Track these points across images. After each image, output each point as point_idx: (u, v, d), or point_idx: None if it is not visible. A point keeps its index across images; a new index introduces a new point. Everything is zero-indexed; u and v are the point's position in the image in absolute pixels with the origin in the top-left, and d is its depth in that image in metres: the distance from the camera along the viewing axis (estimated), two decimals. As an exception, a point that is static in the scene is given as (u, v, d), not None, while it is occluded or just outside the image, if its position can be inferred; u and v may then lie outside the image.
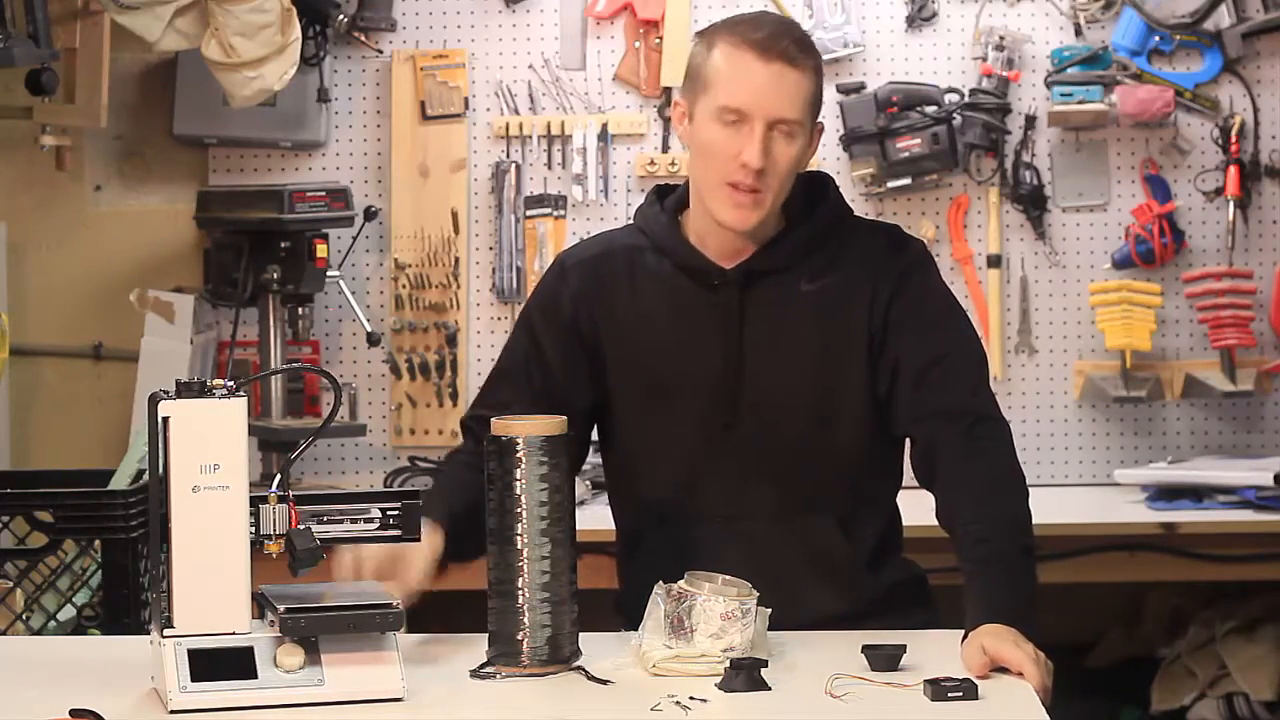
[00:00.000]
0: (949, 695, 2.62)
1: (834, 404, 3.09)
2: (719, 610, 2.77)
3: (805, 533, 3.11)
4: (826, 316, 3.09)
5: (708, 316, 3.09)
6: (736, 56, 3.02)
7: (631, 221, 3.25)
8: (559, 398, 3.10)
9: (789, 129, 3.02)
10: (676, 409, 3.10)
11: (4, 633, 3.45)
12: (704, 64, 3.06)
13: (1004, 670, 2.73)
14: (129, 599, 3.45)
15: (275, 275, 4.87)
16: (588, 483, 4.70)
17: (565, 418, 2.86)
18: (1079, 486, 5.04)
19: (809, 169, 3.24)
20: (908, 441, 3.13)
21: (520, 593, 2.79)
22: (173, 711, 2.62)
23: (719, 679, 2.71)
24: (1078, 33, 5.04)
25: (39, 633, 3.47)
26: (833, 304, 3.09)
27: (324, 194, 4.92)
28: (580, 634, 2.84)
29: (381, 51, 5.12)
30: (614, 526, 3.27)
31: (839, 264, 3.11)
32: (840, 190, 3.21)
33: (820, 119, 3.11)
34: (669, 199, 3.19)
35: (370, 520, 2.79)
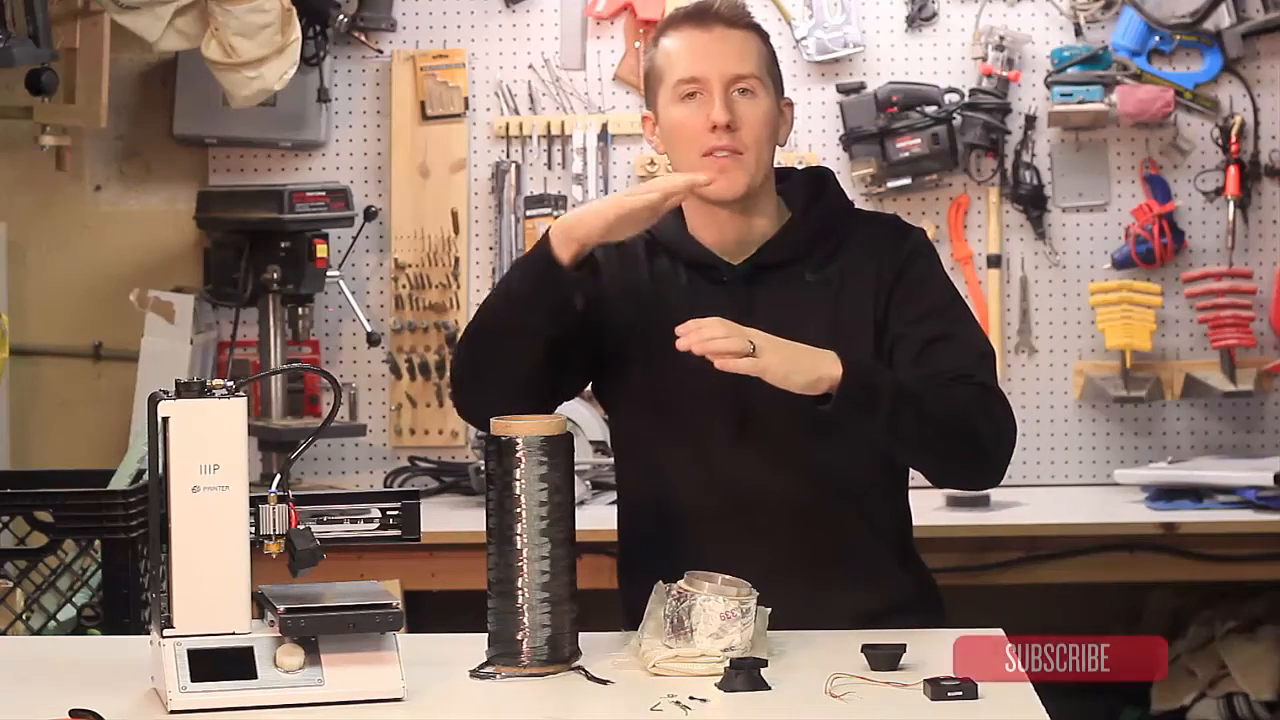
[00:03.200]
0: (949, 695, 2.62)
1: None
2: (719, 610, 2.77)
3: (830, 528, 3.11)
4: (833, 305, 3.10)
5: (718, 312, 3.09)
6: (677, 36, 3.12)
7: None
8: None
9: (747, 85, 3.08)
10: (693, 406, 3.10)
11: (4, 633, 3.45)
12: (653, 62, 3.15)
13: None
14: (129, 599, 3.45)
15: (275, 275, 4.87)
16: (588, 483, 4.70)
17: (565, 418, 2.87)
18: (1079, 486, 5.04)
19: (810, 165, 3.28)
20: None
21: (520, 593, 2.79)
22: (173, 711, 2.62)
23: (719, 679, 2.71)
24: (1078, 33, 5.04)
25: (39, 633, 3.47)
26: (838, 292, 3.11)
27: (324, 194, 4.93)
28: (580, 634, 2.84)
29: (381, 51, 5.12)
30: (616, 531, 3.26)
31: (842, 253, 3.13)
32: (840, 184, 3.23)
33: (788, 96, 3.17)
34: None
35: (370, 520, 2.79)
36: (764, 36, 3.14)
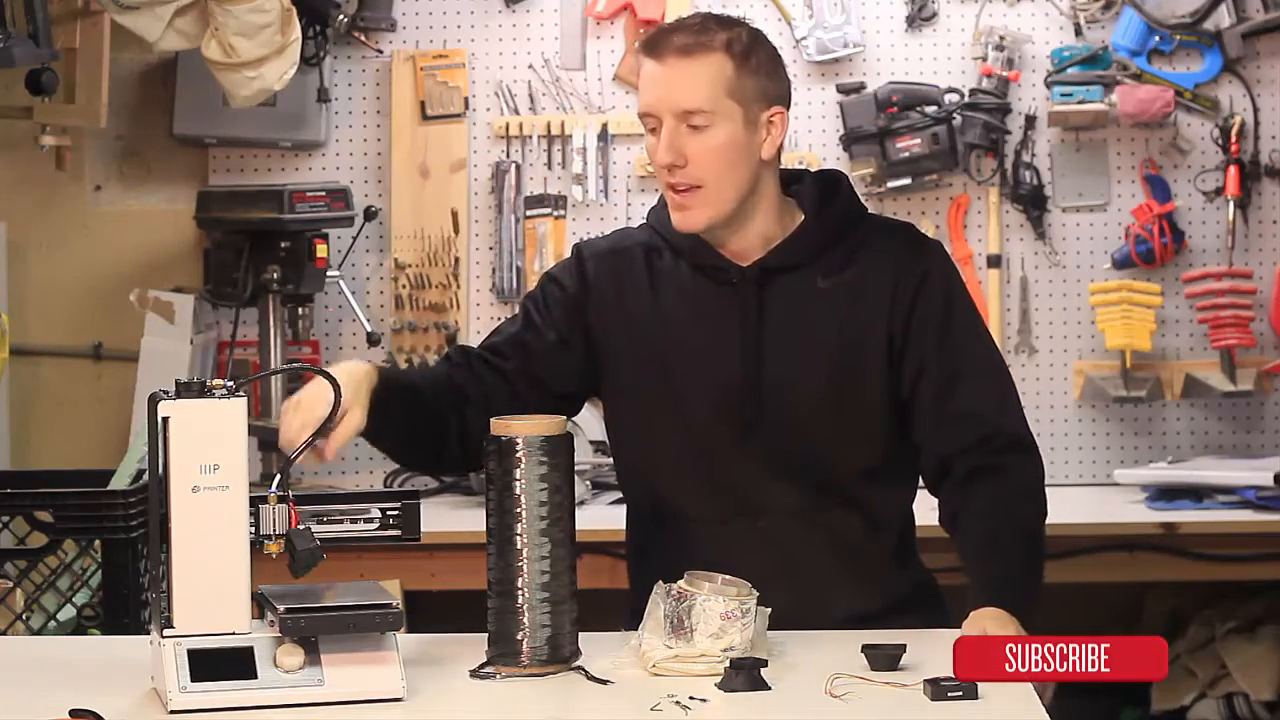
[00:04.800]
0: (949, 695, 2.62)
1: (854, 398, 3.09)
2: (719, 610, 2.77)
3: (832, 530, 3.10)
4: (845, 312, 3.09)
5: (726, 314, 3.10)
6: (641, 65, 3.08)
7: (645, 221, 3.24)
8: (543, 374, 3.13)
9: (699, 119, 3.02)
10: (697, 408, 3.10)
11: (4, 633, 3.45)
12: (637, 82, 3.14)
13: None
14: (129, 599, 3.45)
15: (275, 275, 4.87)
16: (588, 483, 4.70)
17: (565, 418, 2.87)
18: (1079, 486, 5.04)
19: (823, 169, 3.26)
20: (924, 451, 3.12)
21: (520, 593, 2.79)
22: (173, 711, 2.62)
23: (719, 679, 2.71)
24: (1078, 33, 5.04)
25: (39, 633, 3.47)
26: (851, 300, 3.09)
27: (324, 194, 4.93)
28: (580, 634, 2.84)
29: (381, 51, 5.12)
30: (624, 529, 3.26)
31: (856, 260, 3.12)
32: (853, 189, 3.21)
33: (775, 105, 3.07)
34: None
35: (370, 520, 2.79)
36: (732, 53, 3.03)
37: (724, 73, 3.02)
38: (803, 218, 3.14)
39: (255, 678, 2.64)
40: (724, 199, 3.05)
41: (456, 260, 5.08)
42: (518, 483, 2.79)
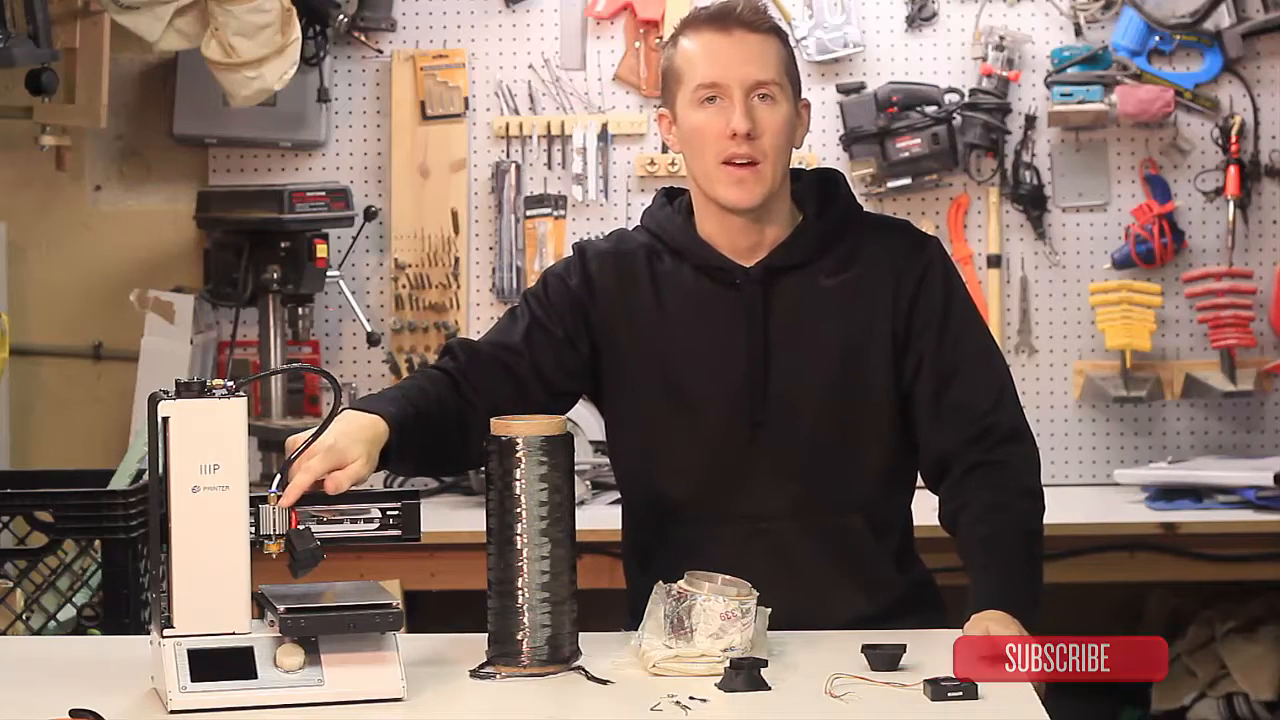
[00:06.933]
0: (949, 695, 2.62)
1: (859, 398, 3.09)
2: (719, 610, 2.77)
3: (834, 532, 3.10)
4: (848, 311, 3.09)
5: (731, 315, 3.09)
6: (698, 38, 3.08)
7: (640, 224, 3.23)
8: (551, 372, 3.12)
9: (768, 91, 3.05)
10: (703, 410, 3.09)
11: (4, 633, 3.45)
12: (672, 61, 3.11)
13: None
14: (129, 599, 3.45)
15: (275, 275, 4.87)
16: (588, 483, 4.70)
17: (565, 418, 2.87)
18: (1079, 486, 5.04)
19: (820, 167, 3.28)
20: (923, 445, 3.13)
21: (520, 593, 2.79)
22: (173, 711, 2.62)
23: (719, 679, 2.71)
24: (1078, 33, 5.04)
25: (39, 633, 3.47)
26: (854, 299, 3.10)
27: (324, 194, 4.93)
28: (580, 634, 2.84)
29: (381, 51, 5.12)
30: (620, 529, 3.25)
31: (857, 259, 3.12)
32: (850, 187, 3.22)
33: (805, 97, 3.15)
34: (679, 200, 3.19)
35: (370, 520, 2.79)
36: (784, 38, 3.11)
37: (782, 53, 3.09)
38: (802, 217, 3.14)
39: (255, 678, 2.65)
40: (774, 177, 3.07)
41: (456, 260, 5.08)
42: (518, 483, 2.79)
